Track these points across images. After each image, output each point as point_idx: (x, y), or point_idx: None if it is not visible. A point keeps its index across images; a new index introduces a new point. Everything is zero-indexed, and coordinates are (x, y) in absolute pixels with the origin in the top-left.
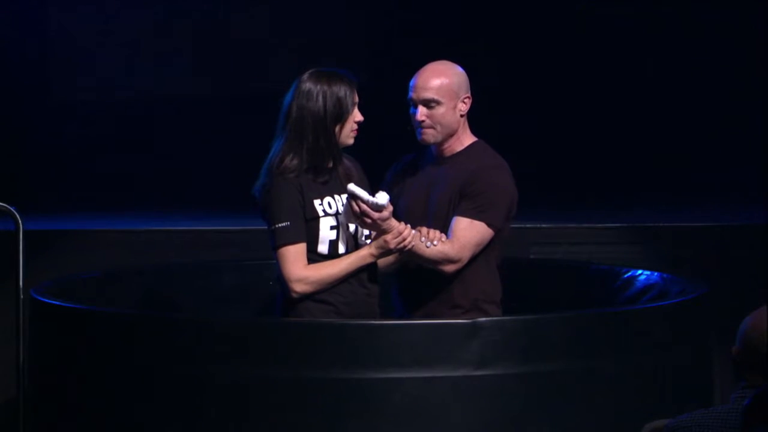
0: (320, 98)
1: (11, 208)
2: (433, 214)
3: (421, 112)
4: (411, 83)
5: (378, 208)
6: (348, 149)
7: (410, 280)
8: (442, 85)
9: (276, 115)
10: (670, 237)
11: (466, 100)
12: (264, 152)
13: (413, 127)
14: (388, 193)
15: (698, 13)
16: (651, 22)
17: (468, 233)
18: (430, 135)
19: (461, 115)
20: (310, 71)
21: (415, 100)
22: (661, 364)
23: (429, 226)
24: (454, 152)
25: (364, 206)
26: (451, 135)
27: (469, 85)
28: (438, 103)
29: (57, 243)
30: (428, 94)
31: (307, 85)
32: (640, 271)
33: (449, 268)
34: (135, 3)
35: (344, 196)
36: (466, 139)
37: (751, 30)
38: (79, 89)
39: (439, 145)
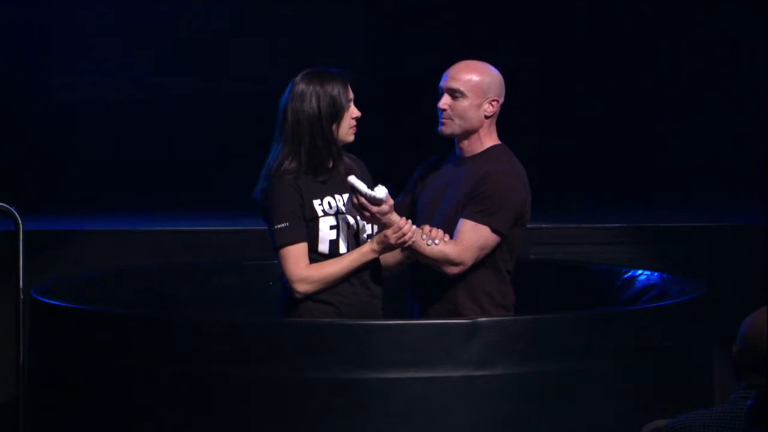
0: (314, 99)
1: (11, 208)
2: (444, 213)
3: (444, 101)
4: (444, 73)
5: (376, 201)
6: (348, 147)
7: (419, 282)
8: (471, 80)
9: (274, 117)
10: (670, 237)
11: (493, 103)
12: (263, 152)
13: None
14: (412, 191)
15: (700, 13)
16: (652, 22)
17: (471, 236)
18: (447, 126)
19: (486, 117)
20: (303, 72)
21: (443, 88)
22: (661, 364)
23: (439, 226)
24: (474, 153)
25: (363, 199)
26: (470, 132)
27: (502, 90)
28: (463, 95)
29: (57, 243)
30: (455, 85)
31: (300, 87)
32: (640, 271)
33: (450, 269)
34: (134, 3)
35: (345, 196)
36: (488, 141)
37: (752, 30)
38: (79, 89)
39: (460, 143)
